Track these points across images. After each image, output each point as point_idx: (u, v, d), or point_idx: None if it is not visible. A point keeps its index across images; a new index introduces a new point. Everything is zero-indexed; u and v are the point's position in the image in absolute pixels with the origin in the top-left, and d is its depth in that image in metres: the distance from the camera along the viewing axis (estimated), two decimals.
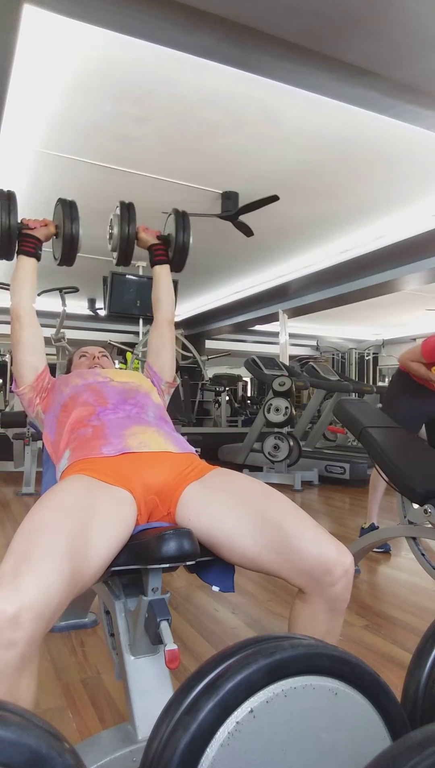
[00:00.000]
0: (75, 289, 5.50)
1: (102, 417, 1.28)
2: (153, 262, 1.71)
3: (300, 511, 1.05)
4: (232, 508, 1.06)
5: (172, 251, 1.71)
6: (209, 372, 10.03)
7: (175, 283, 6.74)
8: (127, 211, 1.67)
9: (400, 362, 3.00)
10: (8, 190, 1.54)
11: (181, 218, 1.69)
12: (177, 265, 1.73)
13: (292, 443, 5.05)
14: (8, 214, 1.52)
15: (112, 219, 1.72)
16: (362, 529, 2.90)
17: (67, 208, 1.59)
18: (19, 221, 1.55)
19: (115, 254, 1.72)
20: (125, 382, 1.45)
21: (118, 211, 1.69)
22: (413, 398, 2.89)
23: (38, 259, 1.56)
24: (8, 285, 5.15)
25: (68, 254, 1.61)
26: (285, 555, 0.97)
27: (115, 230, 1.69)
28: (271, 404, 5.14)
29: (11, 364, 8.14)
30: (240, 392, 11.58)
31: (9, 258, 1.56)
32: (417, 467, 2.01)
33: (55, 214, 1.67)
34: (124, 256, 1.70)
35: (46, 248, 1.63)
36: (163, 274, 1.70)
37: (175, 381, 1.65)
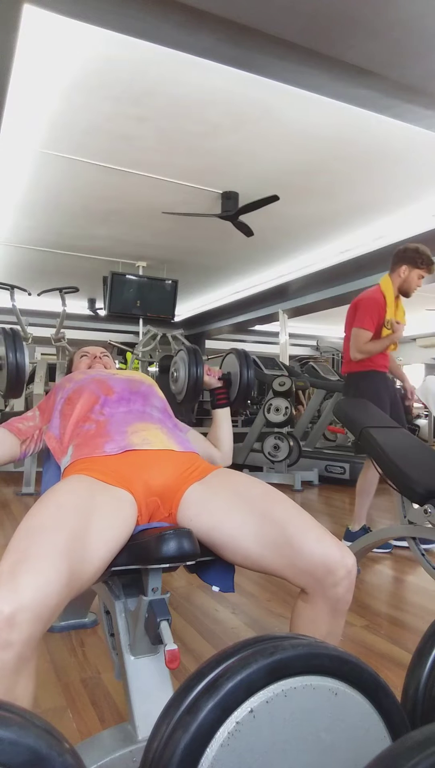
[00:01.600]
0: (75, 289, 5.49)
1: (105, 410, 1.28)
2: (215, 406, 1.68)
3: (302, 511, 1.05)
4: (234, 509, 1.06)
5: (235, 391, 1.70)
6: None
7: (175, 282, 6.81)
8: (194, 356, 1.67)
9: (356, 359, 2.76)
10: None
11: (245, 358, 1.70)
12: (241, 404, 1.72)
13: (292, 443, 5.05)
14: None
15: (177, 362, 1.73)
16: (348, 530, 2.84)
17: (10, 340, 1.51)
18: None
19: (180, 396, 1.73)
20: (129, 376, 1.46)
21: (184, 355, 1.70)
22: (375, 396, 2.67)
23: None
24: (8, 285, 5.16)
25: (14, 385, 1.52)
26: (287, 555, 0.97)
27: (181, 373, 1.70)
28: (271, 404, 5.14)
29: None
30: None
31: None
32: (417, 467, 2.01)
33: None
34: (192, 399, 1.70)
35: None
36: (225, 417, 1.66)
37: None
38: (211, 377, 1.68)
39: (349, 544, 2.73)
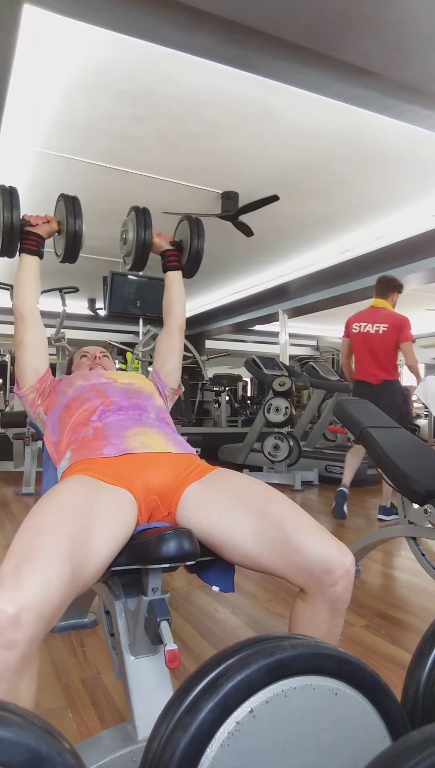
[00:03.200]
0: (75, 289, 5.50)
1: (103, 418, 1.28)
2: (165, 268, 1.70)
3: (301, 511, 1.05)
4: (232, 508, 1.06)
5: (186, 257, 1.69)
6: (209, 372, 10.03)
7: None
8: (143, 216, 1.65)
9: (414, 367, 3.51)
10: (10, 186, 1.52)
11: (196, 225, 1.68)
12: (190, 272, 1.71)
13: (292, 443, 5.05)
14: (11, 210, 1.47)
15: (127, 223, 1.71)
16: (384, 507, 3.56)
17: (70, 204, 1.56)
18: (21, 218, 1.52)
19: (129, 259, 1.70)
20: (129, 383, 1.45)
21: (133, 216, 1.68)
22: (407, 397, 3.23)
23: (41, 257, 1.54)
24: (9, 285, 5.15)
25: (71, 251, 1.58)
26: (286, 555, 0.97)
27: (130, 235, 1.67)
28: (271, 404, 5.14)
29: (11, 364, 8.14)
30: (240, 392, 11.58)
31: (11, 255, 1.54)
32: (417, 467, 2.01)
33: (57, 210, 1.64)
34: (139, 262, 1.68)
35: (48, 245, 1.61)
36: (175, 279, 1.69)
37: (180, 389, 1.64)
38: (162, 240, 1.69)
39: (390, 517, 3.50)
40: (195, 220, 1.69)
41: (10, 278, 6.28)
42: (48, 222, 1.58)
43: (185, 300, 1.71)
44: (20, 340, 1.45)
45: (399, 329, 3.58)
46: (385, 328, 3.57)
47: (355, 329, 3.65)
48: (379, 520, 3.59)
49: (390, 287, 3.71)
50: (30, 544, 0.84)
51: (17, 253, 1.53)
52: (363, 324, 3.63)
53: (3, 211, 1.47)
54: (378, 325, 3.58)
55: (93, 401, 1.33)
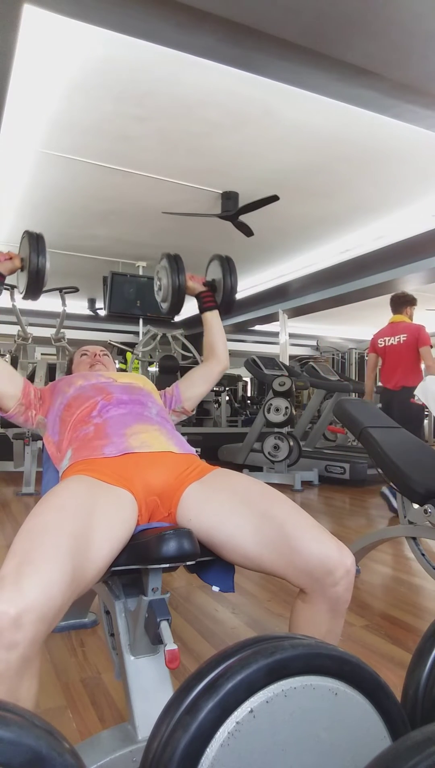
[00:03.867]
0: (75, 289, 5.50)
1: (104, 413, 1.28)
2: (202, 309, 1.69)
3: (301, 511, 1.05)
4: (233, 508, 1.06)
5: (220, 296, 1.70)
6: None
7: None
8: (176, 262, 1.66)
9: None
10: None
11: (227, 263, 1.69)
12: (226, 309, 1.71)
13: (292, 443, 5.05)
14: None
15: (160, 270, 1.72)
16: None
17: (34, 242, 1.55)
18: None
19: (165, 305, 1.72)
20: (128, 382, 1.46)
21: (165, 263, 1.69)
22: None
23: None
24: (8, 285, 5.16)
25: (34, 288, 1.57)
26: (286, 555, 0.97)
27: (165, 281, 1.69)
28: (271, 404, 5.14)
29: (11, 365, 8.14)
30: (240, 392, 11.57)
31: None
32: (417, 467, 2.01)
33: (22, 246, 1.63)
34: (176, 307, 1.69)
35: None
36: (214, 320, 1.68)
37: (191, 412, 1.64)
38: (195, 282, 1.69)
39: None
40: (225, 258, 1.70)
41: (10, 278, 6.29)
42: (10, 259, 1.56)
43: (226, 339, 1.70)
44: None
45: (416, 336, 4.02)
46: (404, 338, 4.05)
47: (381, 344, 4.18)
48: (388, 504, 3.80)
49: (402, 303, 4.24)
50: (31, 545, 0.84)
51: None
52: (387, 338, 4.15)
53: None
54: (398, 336, 4.08)
55: (94, 398, 1.33)
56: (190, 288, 1.68)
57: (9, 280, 1.59)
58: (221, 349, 1.67)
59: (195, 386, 1.63)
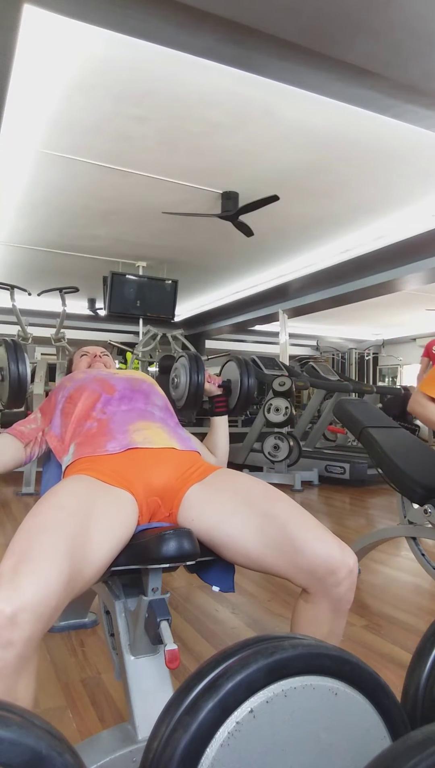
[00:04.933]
0: (75, 289, 5.49)
1: (107, 409, 1.28)
2: (213, 413, 1.66)
3: (304, 511, 1.05)
4: (235, 508, 1.06)
5: (236, 398, 1.70)
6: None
7: (175, 282, 6.79)
8: (196, 363, 1.67)
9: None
10: None
11: (245, 366, 1.70)
12: (241, 411, 1.71)
13: (292, 443, 5.05)
14: None
15: (178, 369, 1.74)
16: None
17: (12, 351, 1.52)
18: None
19: (180, 402, 1.73)
20: (129, 374, 1.46)
21: (185, 362, 1.70)
22: None
23: None
24: (8, 285, 5.16)
25: (16, 397, 1.53)
26: (289, 555, 0.97)
27: (183, 379, 1.70)
28: (271, 404, 5.14)
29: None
30: None
31: None
32: (417, 467, 2.01)
33: None
34: (192, 405, 1.70)
35: None
36: (221, 425, 1.64)
37: None
38: (212, 385, 1.67)
39: None
40: (244, 362, 1.71)
41: (10, 278, 6.29)
42: None
43: (228, 441, 1.66)
44: None
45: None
46: None
47: None
48: None
49: None
50: (29, 544, 0.84)
51: None
52: None
53: None
54: None
55: (96, 390, 1.33)
56: (207, 390, 1.68)
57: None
58: (222, 454, 1.62)
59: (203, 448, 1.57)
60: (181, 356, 1.73)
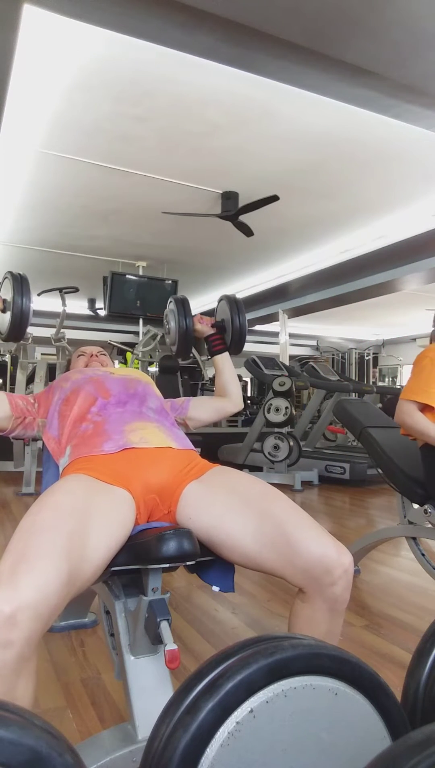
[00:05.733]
0: (75, 289, 5.49)
1: (103, 412, 1.29)
2: (212, 353, 1.68)
3: (300, 510, 1.05)
4: (232, 507, 1.06)
5: (230, 337, 1.69)
6: (209, 372, 10.03)
7: (175, 282, 6.79)
8: (183, 306, 1.67)
9: None
10: None
11: (235, 303, 1.69)
12: (236, 349, 1.70)
13: (292, 443, 5.05)
14: None
15: (168, 314, 1.73)
16: None
17: (18, 283, 1.52)
18: None
19: (174, 348, 1.73)
20: (125, 374, 1.46)
21: (173, 306, 1.70)
22: None
23: None
24: None
25: (17, 330, 1.53)
26: (285, 554, 0.97)
27: (172, 325, 1.70)
28: (271, 404, 5.14)
29: (11, 365, 8.13)
30: None
31: None
32: (417, 467, 2.01)
33: (4, 287, 1.60)
34: (185, 349, 1.70)
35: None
36: (225, 362, 1.66)
37: (190, 428, 1.60)
38: (204, 325, 1.69)
39: None
40: (233, 299, 1.70)
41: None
42: None
43: (238, 380, 1.68)
44: None
45: None
46: None
47: None
48: None
49: None
50: (27, 544, 0.84)
51: None
52: None
53: None
54: None
55: (92, 393, 1.33)
56: (199, 331, 1.68)
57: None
58: (235, 391, 1.64)
59: (205, 411, 1.60)
60: (170, 302, 1.73)
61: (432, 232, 4.96)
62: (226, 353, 1.67)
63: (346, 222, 5.18)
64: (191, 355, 5.62)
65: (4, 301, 1.55)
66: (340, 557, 0.95)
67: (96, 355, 1.65)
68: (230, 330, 1.69)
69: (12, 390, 6.24)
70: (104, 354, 1.69)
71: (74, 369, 1.56)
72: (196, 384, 8.73)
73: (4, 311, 1.56)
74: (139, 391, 1.39)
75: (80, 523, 0.91)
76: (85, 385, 1.37)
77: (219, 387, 1.64)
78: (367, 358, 11.79)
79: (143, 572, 0.99)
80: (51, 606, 0.77)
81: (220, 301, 1.76)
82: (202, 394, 9.18)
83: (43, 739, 0.46)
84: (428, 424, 1.81)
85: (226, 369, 1.64)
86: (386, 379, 12.35)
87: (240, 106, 3.18)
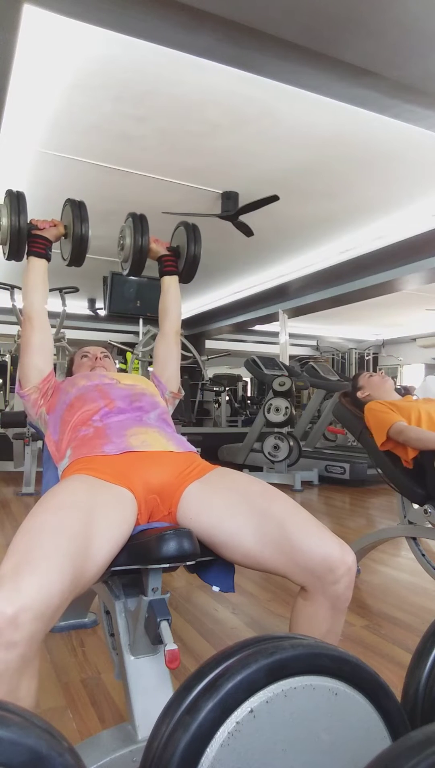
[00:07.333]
0: (75, 289, 5.50)
1: (105, 419, 1.29)
2: (162, 273, 1.70)
3: (302, 509, 1.05)
4: (233, 507, 1.06)
5: (183, 263, 1.70)
6: (209, 372, 10.03)
7: None
8: (140, 222, 1.67)
9: None
10: (17, 191, 1.53)
11: (192, 231, 1.69)
12: (186, 277, 1.72)
13: (292, 443, 5.05)
14: (18, 214, 1.49)
15: (124, 229, 1.72)
16: None
17: (77, 209, 1.58)
18: (28, 222, 1.53)
19: (126, 264, 1.72)
20: (132, 385, 1.45)
21: (130, 222, 1.69)
22: None
23: (48, 260, 1.55)
24: (8, 285, 5.16)
25: (78, 255, 1.61)
26: (287, 553, 0.97)
27: (128, 241, 1.69)
28: (271, 404, 5.14)
29: (11, 365, 8.13)
30: (240, 392, 11.57)
31: (18, 259, 1.55)
32: (417, 469, 2.01)
33: (64, 214, 1.65)
34: (137, 267, 1.69)
35: (55, 248, 1.61)
36: (172, 284, 1.70)
37: (180, 393, 1.64)
38: (159, 246, 1.70)
39: None
40: (191, 226, 1.70)
41: (10, 278, 6.29)
42: (55, 225, 1.59)
43: (181, 304, 1.71)
44: (27, 341, 1.45)
45: None
46: None
47: None
48: None
49: None
50: (29, 545, 0.84)
51: (25, 256, 1.53)
52: None
53: (11, 215, 1.48)
54: None
55: (96, 402, 1.33)
56: (153, 250, 1.69)
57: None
58: (173, 310, 1.68)
59: (165, 364, 1.64)
60: (127, 218, 1.71)
61: (432, 232, 4.96)
62: (176, 277, 1.69)
63: (346, 222, 5.17)
64: (191, 354, 5.63)
65: (66, 226, 1.60)
66: (344, 555, 0.95)
67: (100, 358, 1.65)
68: (184, 257, 1.69)
69: (12, 390, 6.24)
70: (107, 356, 1.69)
71: (80, 373, 1.56)
72: (196, 384, 8.74)
73: (66, 237, 1.61)
74: (145, 402, 1.39)
75: (83, 523, 0.91)
76: (89, 392, 1.37)
77: (161, 308, 1.68)
78: (367, 358, 11.78)
79: (143, 572, 0.99)
80: (53, 607, 0.77)
81: (178, 226, 1.74)
82: (202, 394, 9.20)
83: (43, 739, 0.46)
84: (425, 430, 1.94)
85: (171, 290, 1.69)
86: None
87: (240, 106, 3.18)
